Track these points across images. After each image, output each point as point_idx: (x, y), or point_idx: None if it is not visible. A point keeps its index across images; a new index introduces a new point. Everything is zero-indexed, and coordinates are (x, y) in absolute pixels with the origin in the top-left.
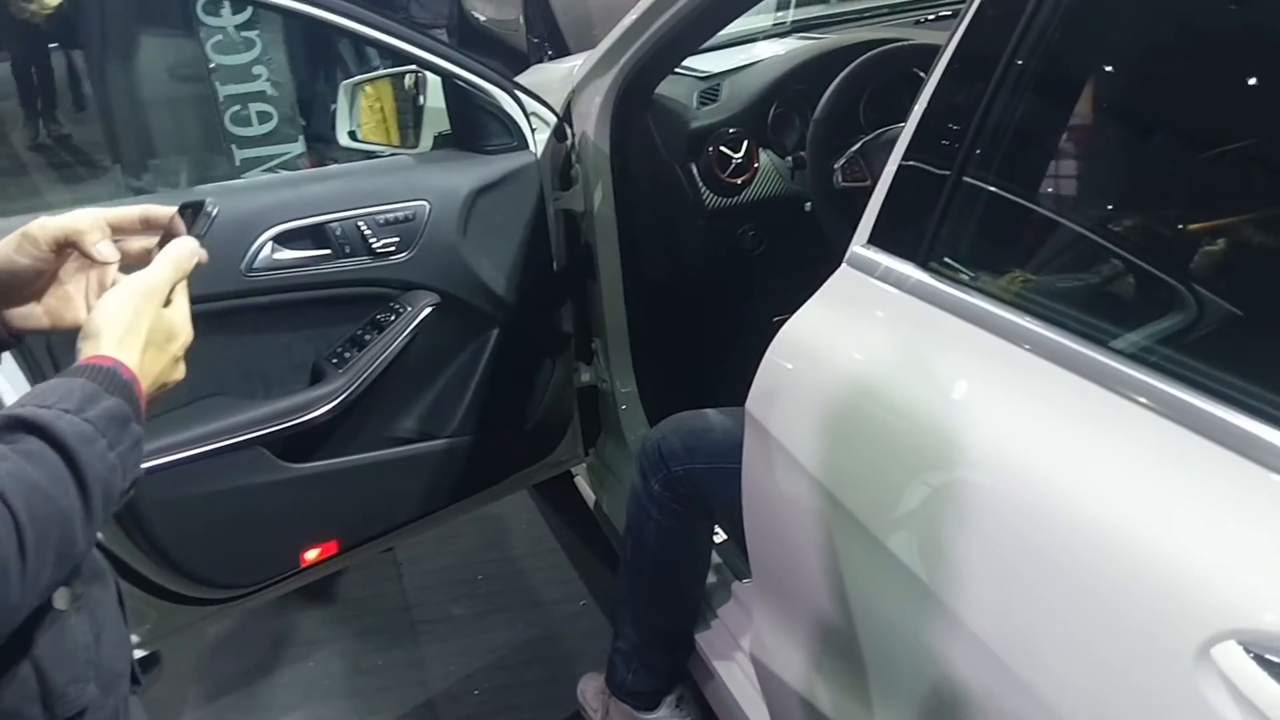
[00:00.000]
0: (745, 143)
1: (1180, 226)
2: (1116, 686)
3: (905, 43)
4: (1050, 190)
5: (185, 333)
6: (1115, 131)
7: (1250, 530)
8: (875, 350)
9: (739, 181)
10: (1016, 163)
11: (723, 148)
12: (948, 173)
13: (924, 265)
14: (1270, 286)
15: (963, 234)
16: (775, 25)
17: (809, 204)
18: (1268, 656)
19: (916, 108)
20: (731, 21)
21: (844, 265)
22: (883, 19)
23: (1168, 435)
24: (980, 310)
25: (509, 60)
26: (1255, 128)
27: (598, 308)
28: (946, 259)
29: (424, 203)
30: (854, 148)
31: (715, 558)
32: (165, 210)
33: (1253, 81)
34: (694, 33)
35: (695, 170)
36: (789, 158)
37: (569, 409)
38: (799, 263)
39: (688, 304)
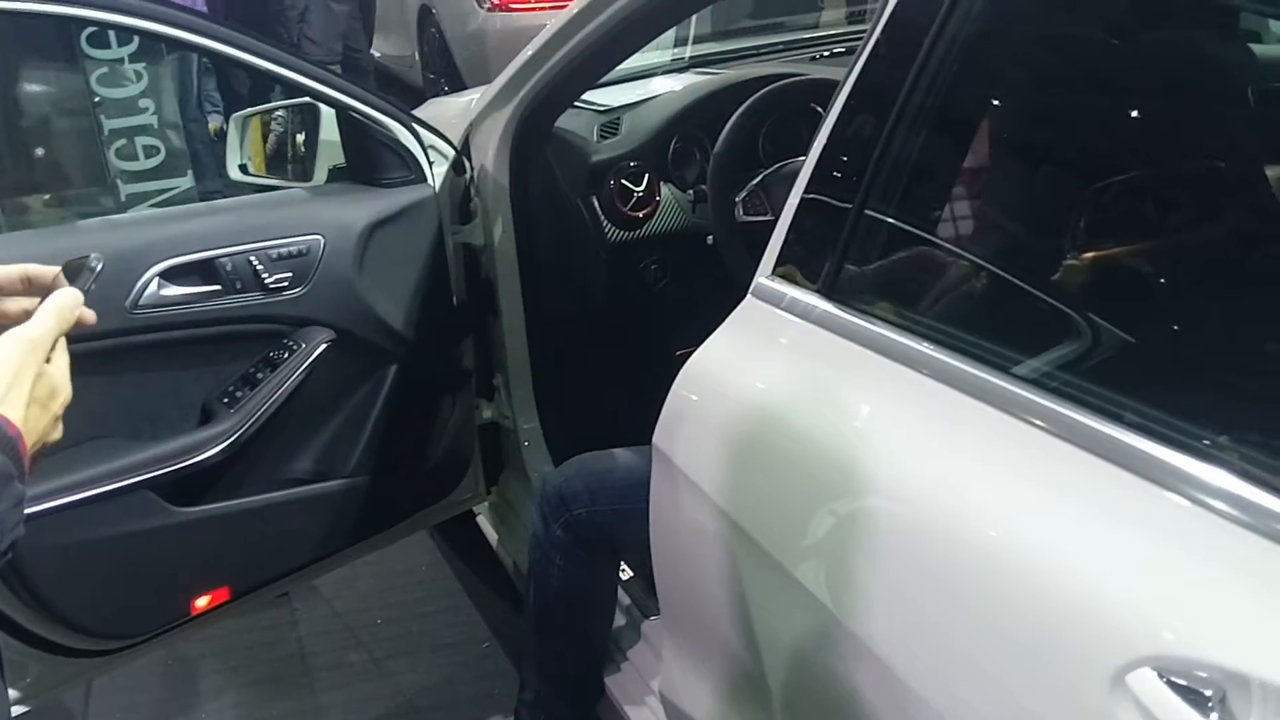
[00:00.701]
0: (646, 176)
1: (1074, 256)
2: (1033, 715)
3: (802, 77)
4: (950, 221)
5: (66, 390)
6: (1011, 164)
7: (1161, 554)
8: (780, 380)
9: (640, 215)
10: (916, 194)
11: (624, 181)
12: (849, 205)
13: (828, 295)
14: (1161, 311)
15: (866, 265)
16: (674, 61)
17: (711, 237)
18: (1183, 682)
19: (817, 142)
20: (629, 56)
21: (749, 296)
22: (779, 55)
23: (1071, 460)
24: (884, 339)
25: (405, 97)
26: (1141, 160)
27: (499, 343)
28: (850, 289)
29: (318, 237)
30: (754, 181)
31: (623, 596)
32: (48, 269)
33: (1138, 115)
34: (592, 67)
35: (596, 203)
36: (690, 191)
37: (470, 447)
38: (702, 296)
39: (590, 338)
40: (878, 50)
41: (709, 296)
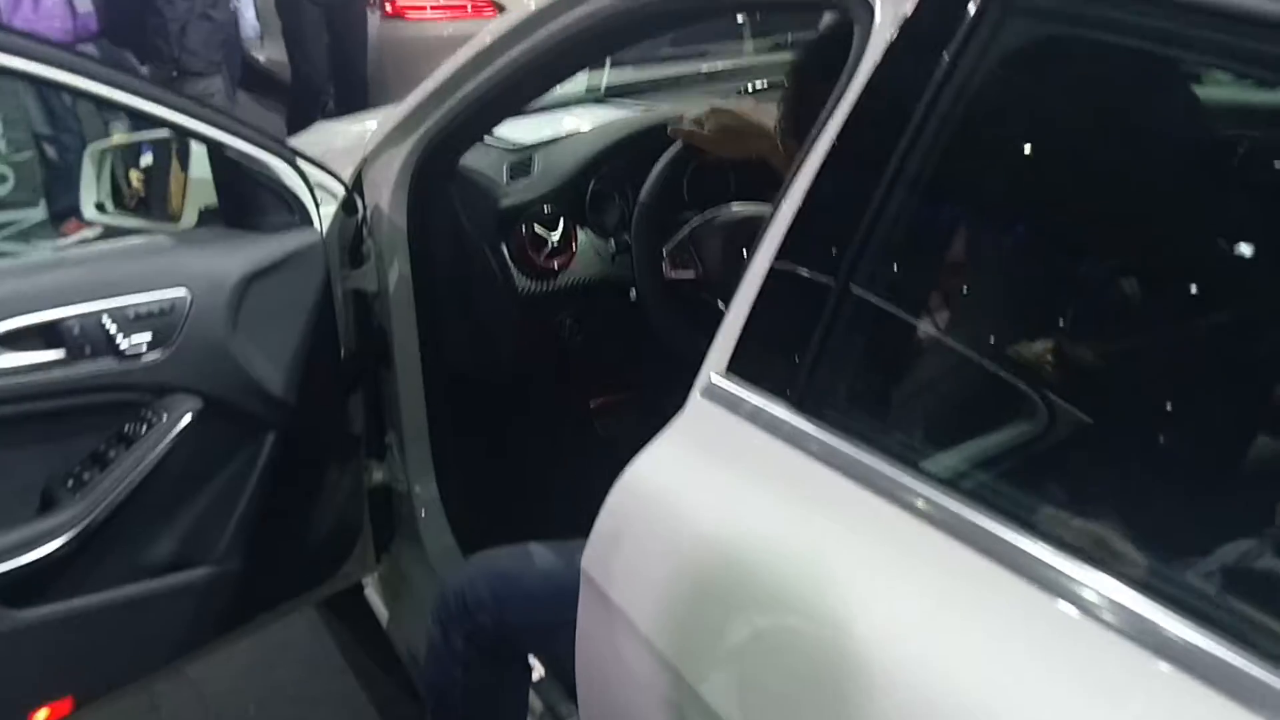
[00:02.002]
0: (561, 222)
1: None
2: None
3: None
4: (961, 321)
5: None
6: (1025, 247)
7: None
8: (739, 510)
9: (555, 265)
10: (916, 282)
11: (537, 227)
12: (829, 285)
13: (799, 406)
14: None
15: (848, 367)
16: (589, 91)
17: (634, 290)
18: None
19: (784, 206)
20: (550, 88)
21: (697, 396)
22: (700, 87)
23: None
24: (871, 469)
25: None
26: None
27: (393, 399)
28: (828, 399)
29: (184, 292)
30: (683, 233)
31: (534, 702)
32: None
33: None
34: (508, 99)
35: (506, 251)
36: (610, 240)
37: (359, 518)
38: (621, 353)
39: (497, 397)
40: (860, 111)
41: (629, 354)
